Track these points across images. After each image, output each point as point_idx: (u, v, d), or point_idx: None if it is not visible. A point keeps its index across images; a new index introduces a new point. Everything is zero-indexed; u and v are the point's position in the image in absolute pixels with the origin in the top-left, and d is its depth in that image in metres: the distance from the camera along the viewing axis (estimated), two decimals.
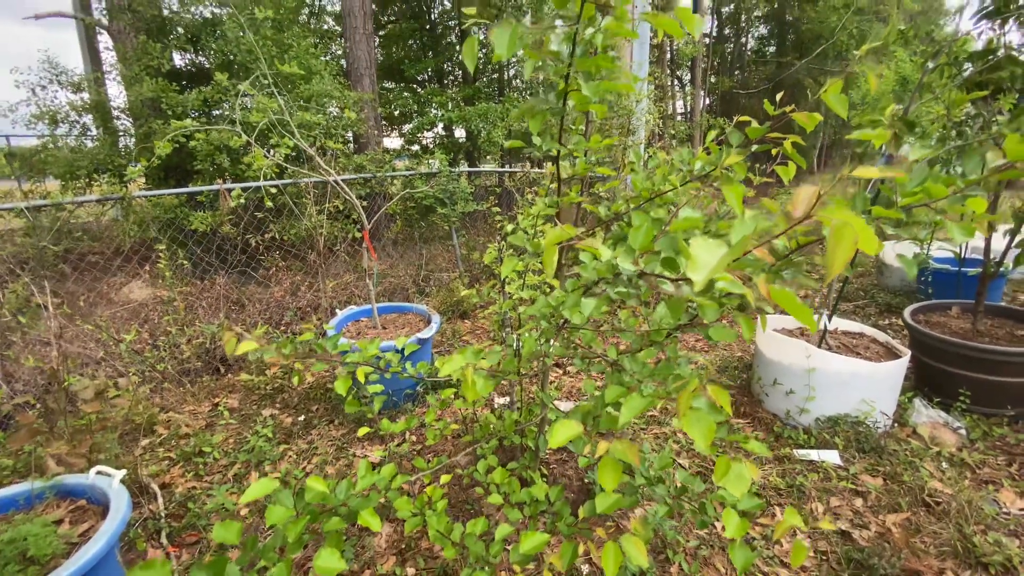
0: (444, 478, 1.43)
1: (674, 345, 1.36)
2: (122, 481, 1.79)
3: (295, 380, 1.31)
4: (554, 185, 1.38)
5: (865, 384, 2.57)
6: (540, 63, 1.09)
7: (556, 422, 0.96)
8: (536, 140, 1.20)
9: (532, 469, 1.85)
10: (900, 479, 2.24)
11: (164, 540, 2.01)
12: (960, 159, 0.96)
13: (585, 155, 1.42)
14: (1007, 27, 2.52)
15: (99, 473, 1.80)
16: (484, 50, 10.64)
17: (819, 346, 2.78)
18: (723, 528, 1.05)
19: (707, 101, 17.24)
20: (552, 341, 1.45)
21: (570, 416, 1.11)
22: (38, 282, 2.49)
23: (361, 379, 1.34)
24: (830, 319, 2.85)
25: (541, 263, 0.95)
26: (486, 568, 1.10)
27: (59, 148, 5.55)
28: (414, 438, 2.56)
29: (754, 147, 1.29)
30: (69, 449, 2.04)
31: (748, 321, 1.11)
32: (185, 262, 3.48)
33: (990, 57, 2.41)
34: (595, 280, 1.01)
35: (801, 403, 2.65)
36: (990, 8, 2.49)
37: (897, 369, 2.61)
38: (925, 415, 2.70)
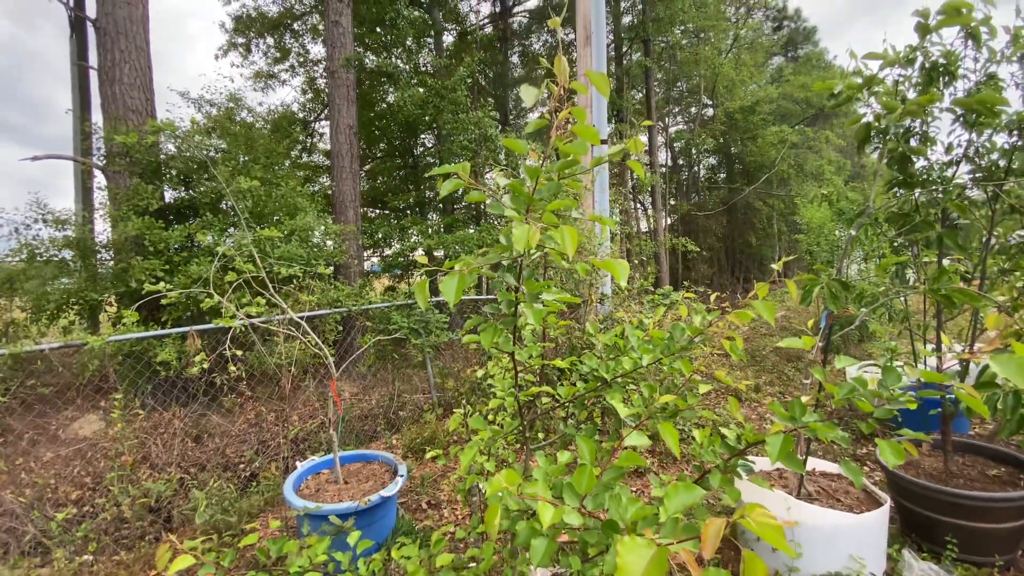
0: None
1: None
2: None
3: None
4: (511, 371, 1.42)
5: (851, 537, 2.47)
6: (496, 282, 1.17)
7: None
8: (491, 345, 1.25)
9: None
10: None
11: None
12: (884, 374, 1.03)
13: (543, 352, 1.47)
14: (915, 194, 2.86)
15: None
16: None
17: (797, 494, 2.71)
18: None
19: (668, 221, 18.62)
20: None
21: None
22: None
23: None
24: (804, 464, 2.81)
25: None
26: None
27: (31, 279, 5.53)
28: None
29: (697, 340, 1.36)
30: None
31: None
32: (140, 412, 3.32)
33: (907, 220, 2.71)
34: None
35: (789, 561, 2.51)
36: (900, 179, 2.85)
37: (880, 519, 2.53)
38: (917, 569, 2.57)
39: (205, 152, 6.01)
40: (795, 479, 2.85)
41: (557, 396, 1.56)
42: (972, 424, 4.52)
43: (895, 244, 2.71)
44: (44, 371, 4.64)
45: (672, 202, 19.56)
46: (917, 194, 2.81)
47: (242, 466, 4.50)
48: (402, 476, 2.86)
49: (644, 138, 17.69)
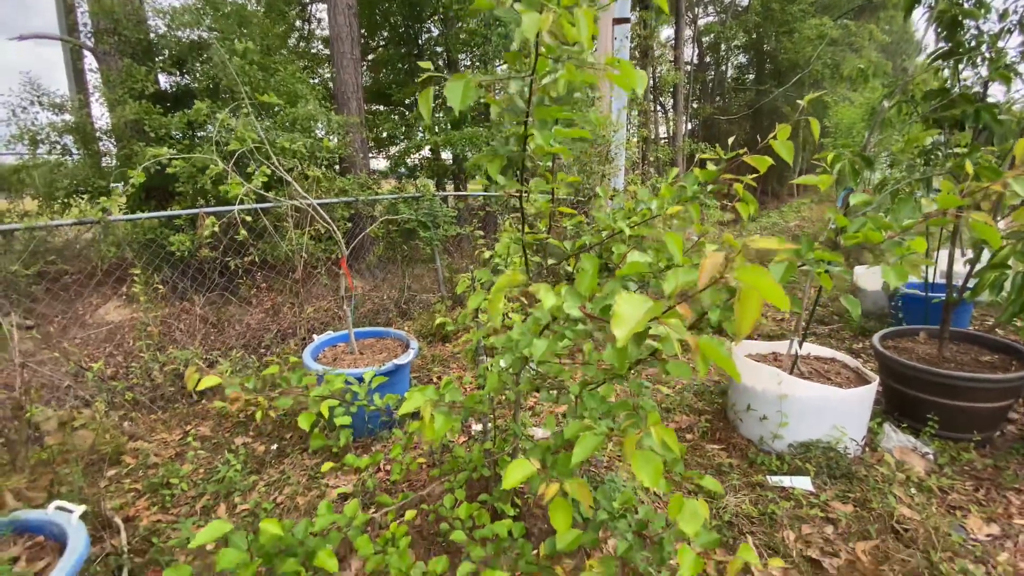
0: (409, 514, 1.42)
1: (637, 378, 1.38)
2: (83, 516, 1.74)
3: (258, 415, 1.30)
4: (519, 222, 1.41)
5: (836, 410, 2.61)
6: (502, 110, 1.13)
7: (512, 461, 0.97)
8: (499, 180, 1.23)
9: (504, 501, 1.84)
10: (870, 506, 2.26)
11: None
12: (894, 207, 1.01)
13: (552, 196, 1.46)
14: (961, 68, 2.65)
15: (58, 508, 1.75)
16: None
17: (791, 372, 2.83)
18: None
19: (689, 126, 17.71)
20: (519, 372, 1.47)
21: (530, 454, 1.11)
22: (5, 308, 2.45)
23: (325, 414, 1.34)
24: (801, 345, 2.90)
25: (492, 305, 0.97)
26: None
27: (37, 168, 5.51)
28: (388, 467, 2.53)
29: (710, 187, 1.34)
30: (29, 483, 1.98)
31: (704, 359, 1.14)
32: (160, 287, 3.44)
33: (944, 96, 2.53)
34: (550, 320, 1.03)
35: (774, 429, 2.68)
36: (944, 50, 2.62)
37: (866, 395, 2.66)
38: (895, 440, 2.74)
39: (197, 31, 5.63)
40: (789, 361, 2.96)
41: (564, 250, 1.56)
42: (971, 321, 4.59)
43: (929, 121, 2.55)
44: (63, 249, 4.75)
45: (694, 105, 18.44)
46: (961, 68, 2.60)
47: (262, 349, 4.76)
48: (414, 349, 3.00)
49: (669, 31, 16.27)
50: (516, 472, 0.94)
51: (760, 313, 0.52)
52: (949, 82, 2.64)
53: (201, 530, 0.95)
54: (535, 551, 1.30)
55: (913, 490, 2.39)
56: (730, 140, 1.28)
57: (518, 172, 1.23)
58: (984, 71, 2.58)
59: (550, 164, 1.61)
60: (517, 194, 1.27)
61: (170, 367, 3.29)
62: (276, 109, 6.04)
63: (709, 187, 1.34)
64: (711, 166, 1.36)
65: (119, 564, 1.99)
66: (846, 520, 2.19)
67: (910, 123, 2.63)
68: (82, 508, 1.71)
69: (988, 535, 2.16)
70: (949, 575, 1.89)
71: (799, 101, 1.19)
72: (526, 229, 1.45)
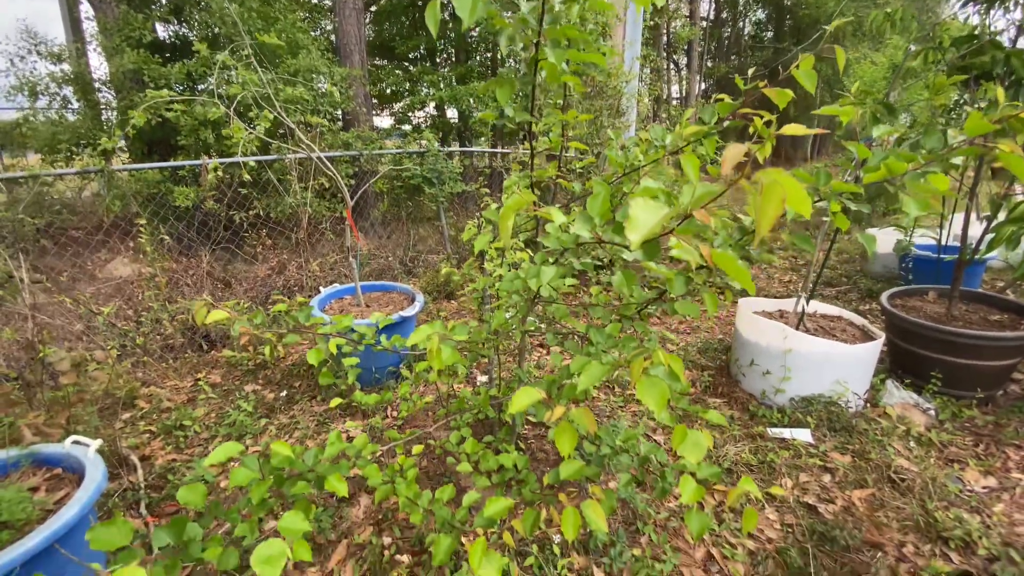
0: (417, 449, 1.45)
1: (644, 321, 1.38)
2: (100, 451, 1.79)
3: (266, 351, 1.31)
4: (528, 160, 1.38)
5: (839, 365, 2.62)
6: (513, 33, 1.08)
7: (519, 390, 0.98)
8: (508, 112, 1.19)
9: (508, 442, 1.88)
10: (868, 457, 2.30)
11: (143, 510, 2.02)
12: (925, 135, 0.97)
13: (563, 131, 1.42)
14: (992, 13, 2.52)
15: (75, 443, 1.81)
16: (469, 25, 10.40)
17: (796, 328, 2.82)
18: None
19: (703, 86, 17.13)
20: (526, 316, 1.47)
21: (536, 385, 1.12)
22: (15, 255, 2.46)
23: (333, 351, 1.35)
24: (808, 302, 2.88)
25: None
26: (451, 532, 1.13)
27: (39, 121, 5.44)
28: (394, 412, 2.58)
29: (726, 123, 1.29)
30: (46, 419, 2.04)
31: (712, 296, 1.13)
32: (166, 237, 3.44)
33: (973, 42, 2.41)
34: (560, 250, 1.01)
35: (777, 383, 2.70)
36: None
37: (871, 351, 2.66)
38: (897, 396, 2.76)
39: None
40: (795, 319, 2.95)
41: (572, 191, 1.53)
42: (983, 284, 4.54)
43: (955, 70, 2.44)
44: (70, 204, 4.74)
45: (709, 64, 17.78)
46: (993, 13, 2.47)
47: (269, 304, 4.80)
48: (420, 302, 3.01)
49: None
50: (523, 398, 0.95)
51: (782, 210, 0.50)
52: (979, 29, 2.51)
53: (216, 449, 0.97)
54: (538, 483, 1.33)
55: (912, 443, 2.42)
56: (750, 71, 1.23)
57: (528, 102, 1.19)
58: (1018, 15, 2.45)
59: (560, 102, 1.56)
60: (527, 127, 1.23)
61: (180, 317, 3.33)
62: (277, 60, 5.88)
63: (726, 123, 1.29)
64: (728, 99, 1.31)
65: (137, 498, 2.07)
66: (844, 469, 2.23)
67: (936, 71, 2.52)
68: (98, 442, 1.76)
69: (985, 487, 2.19)
70: (943, 523, 1.93)
71: (826, 27, 1.13)
72: (535, 169, 1.42)
